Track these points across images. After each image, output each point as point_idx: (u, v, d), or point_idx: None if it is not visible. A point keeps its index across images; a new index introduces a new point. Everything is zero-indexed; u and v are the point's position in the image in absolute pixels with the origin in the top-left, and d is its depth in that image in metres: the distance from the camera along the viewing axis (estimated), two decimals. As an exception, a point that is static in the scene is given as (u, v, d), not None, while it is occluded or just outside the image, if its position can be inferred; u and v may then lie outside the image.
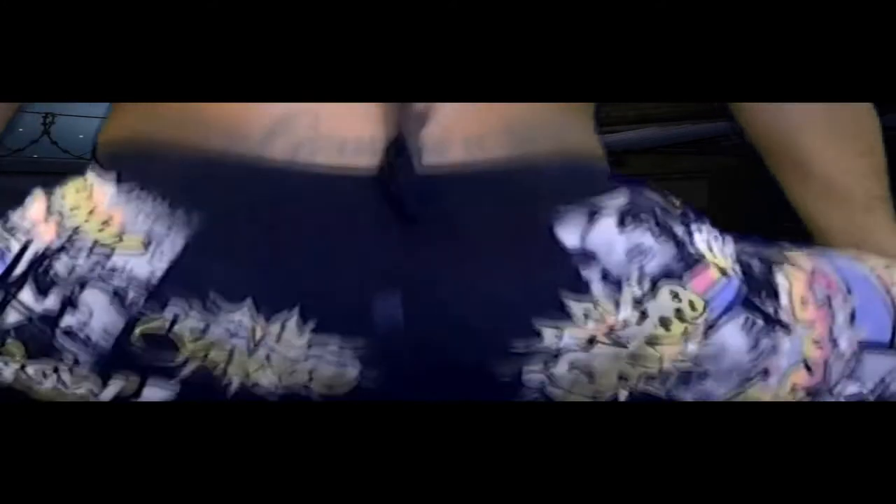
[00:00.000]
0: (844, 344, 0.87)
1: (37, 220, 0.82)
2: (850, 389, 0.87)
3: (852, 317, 0.88)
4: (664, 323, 0.82)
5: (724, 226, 0.90)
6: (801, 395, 0.86)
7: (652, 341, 0.82)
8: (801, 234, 1.04)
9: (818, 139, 1.00)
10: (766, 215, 1.04)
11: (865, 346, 0.88)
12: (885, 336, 0.89)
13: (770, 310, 0.85)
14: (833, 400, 0.87)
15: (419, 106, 0.82)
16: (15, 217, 0.83)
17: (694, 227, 0.86)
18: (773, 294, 0.86)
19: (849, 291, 0.89)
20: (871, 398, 0.88)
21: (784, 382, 0.85)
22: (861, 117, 1.02)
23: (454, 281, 0.79)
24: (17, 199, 0.95)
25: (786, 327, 0.85)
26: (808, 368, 0.86)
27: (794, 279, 0.87)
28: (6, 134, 0.95)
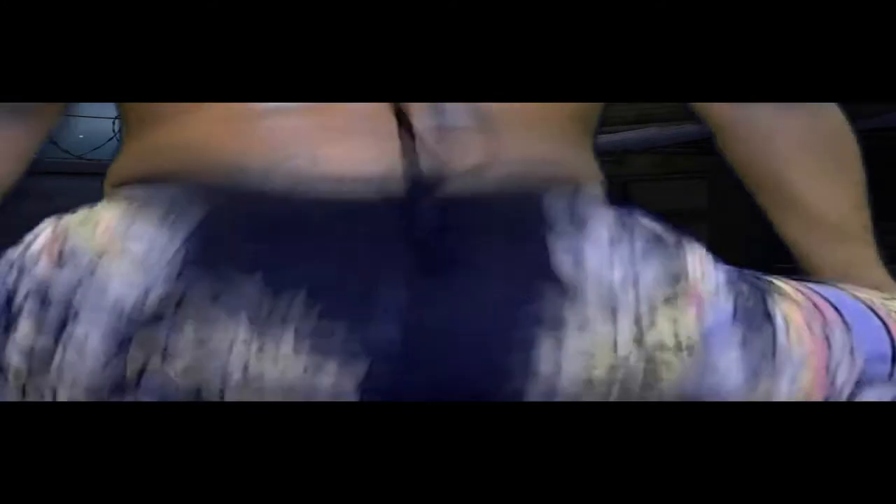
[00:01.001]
0: (842, 379, 0.87)
1: (39, 255, 0.83)
2: None
3: (851, 351, 0.87)
4: (660, 347, 0.82)
5: (724, 226, 0.90)
6: None
7: (650, 365, 0.82)
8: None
9: (805, 174, 1.01)
10: (766, 215, 1.04)
11: (865, 381, 0.88)
12: (885, 368, 0.88)
13: (767, 339, 0.85)
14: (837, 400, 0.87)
15: (417, 140, 0.82)
16: (17, 254, 0.84)
17: (688, 258, 0.86)
18: (770, 325, 0.86)
19: (847, 326, 0.88)
20: None
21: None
22: (845, 150, 1.02)
23: (451, 311, 0.80)
24: (17, 199, 0.95)
25: (783, 356, 0.85)
26: (809, 395, 0.86)
27: (790, 315, 0.87)
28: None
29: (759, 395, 0.84)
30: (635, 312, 0.82)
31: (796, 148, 1.00)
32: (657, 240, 0.85)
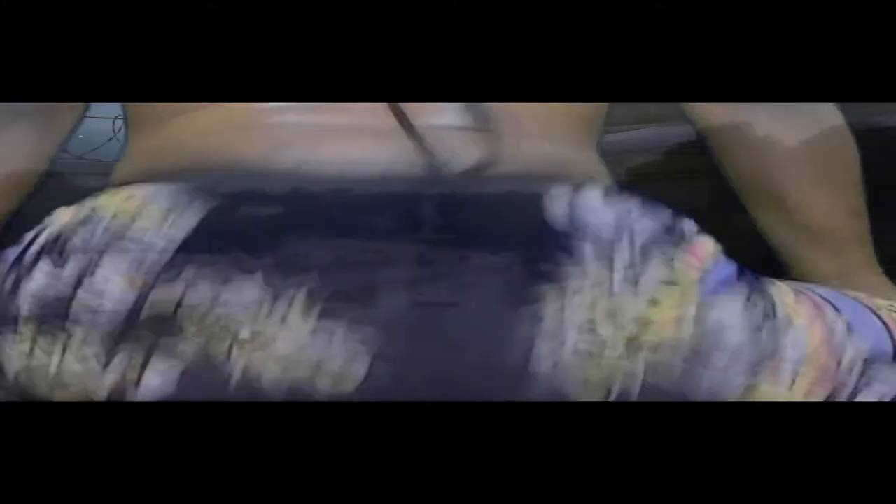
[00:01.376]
0: (850, 354, 0.85)
1: (55, 217, 0.85)
2: (867, 397, 0.86)
3: (849, 328, 0.87)
4: (660, 290, 0.81)
5: (724, 226, 0.90)
6: (817, 397, 0.84)
7: (650, 307, 0.81)
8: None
9: (799, 179, 0.99)
10: (757, 224, 1.04)
11: (870, 361, 0.86)
12: (888, 347, 0.87)
13: (769, 302, 0.85)
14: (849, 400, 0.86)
15: (417, 139, 0.83)
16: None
17: (680, 216, 0.86)
18: (771, 297, 0.85)
19: (837, 310, 0.88)
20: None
21: (798, 380, 0.84)
22: (841, 154, 1.01)
23: (455, 268, 0.80)
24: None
25: (786, 319, 0.84)
26: (819, 370, 0.84)
27: (783, 292, 0.87)
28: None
29: (762, 359, 0.83)
30: (630, 254, 0.81)
31: (792, 155, 0.99)
32: (661, 228, 0.85)
